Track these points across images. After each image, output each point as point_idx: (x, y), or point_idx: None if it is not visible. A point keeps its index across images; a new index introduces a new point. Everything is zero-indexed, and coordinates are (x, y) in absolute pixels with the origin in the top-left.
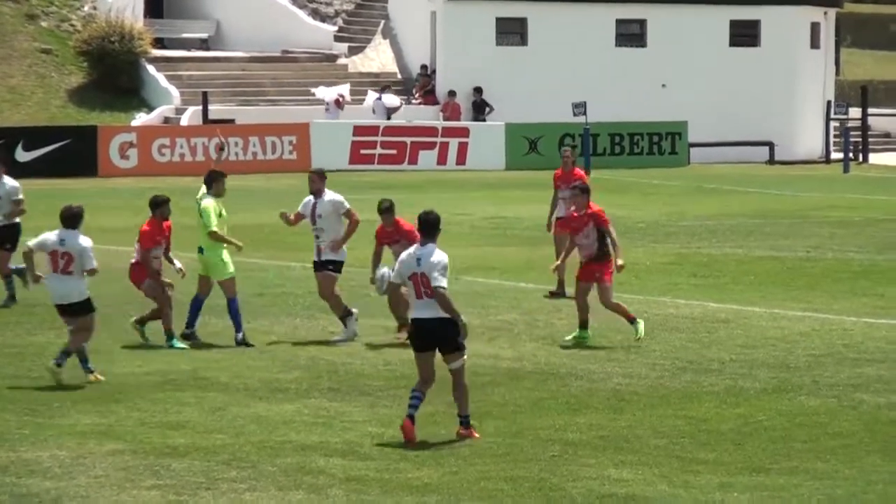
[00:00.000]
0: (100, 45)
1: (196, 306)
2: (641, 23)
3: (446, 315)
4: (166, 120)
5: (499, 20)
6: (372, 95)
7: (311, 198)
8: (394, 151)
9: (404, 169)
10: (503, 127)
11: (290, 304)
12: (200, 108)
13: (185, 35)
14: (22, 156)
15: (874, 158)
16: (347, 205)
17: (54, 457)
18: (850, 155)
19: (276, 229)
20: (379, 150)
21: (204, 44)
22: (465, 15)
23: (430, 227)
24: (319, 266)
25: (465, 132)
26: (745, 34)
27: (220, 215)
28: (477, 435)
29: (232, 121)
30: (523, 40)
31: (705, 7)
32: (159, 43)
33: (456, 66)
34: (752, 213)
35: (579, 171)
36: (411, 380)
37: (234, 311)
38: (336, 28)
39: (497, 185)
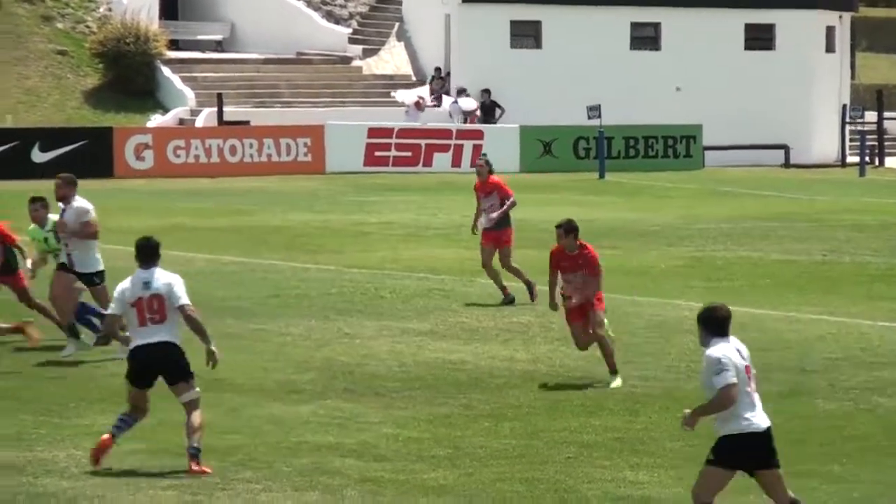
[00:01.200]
0: (115, 46)
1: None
2: (656, 26)
3: (173, 340)
4: (181, 121)
5: (513, 23)
6: (448, 99)
7: (61, 204)
8: (408, 154)
9: (419, 171)
10: (517, 129)
11: (304, 305)
12: (215, 109)
13: (199, 37)
14: (39, 157)
15: (890, 162)
16: (90, 216)
17: (71, 456)
18: (866, 158)
19: (303, 231)
20: (393, 153)
21: (219, 46)
22: (479, 17)
23: (150, 252)
24: (67, 269)
25: (479, 134)
26: (759, 38)
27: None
28: (208, 469)
29: (247, 122)
30: (537, 43)
31: (720, 10)
32: (174, 45)
33: (470, 69)
34: (768, 217)
35: (495, 179)
36: (427, 381)
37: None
38: (350, 30)
39: (511, 187)
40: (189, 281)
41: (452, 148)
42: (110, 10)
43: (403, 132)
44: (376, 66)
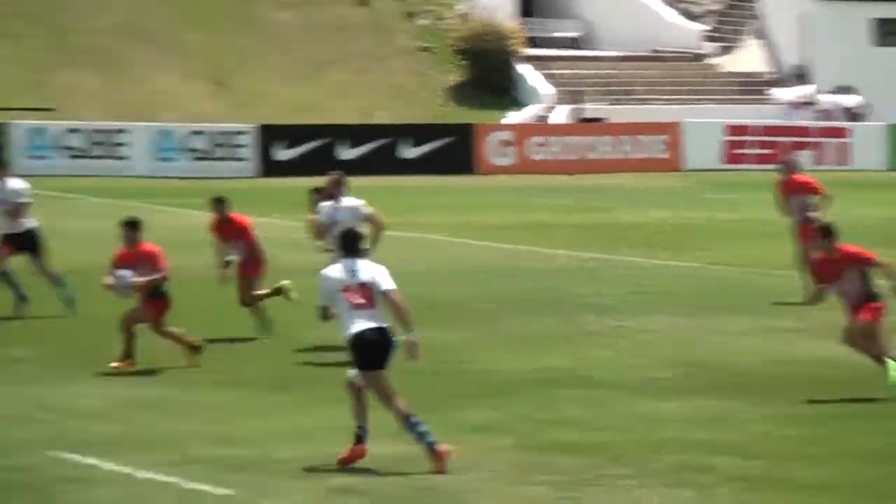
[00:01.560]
0: (476, 43)
1: None
2: None
3: (388, 325)
4: (539, 118)
5: (876, 21)
6: (826, 97)
7: (331, 203)
8: (769, 151)
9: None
10: (884, 128)
11: (666, 302)
12: (570, 106)
13: (554, 34)
14: (410, 153)
15: None
16: (368, 210)
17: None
18: None
19: (662, 228)
20: (753, 150)
21: (574, 43)
22: (837, 15)
23: (353, 242)
24: None
25: (842, 132)
26: None
27: None
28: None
29: (602, 119)
30: None
31: None
32: (531, 42)
33: (830, 67)
34: None
35: (800, 177)
36: (799, 381)
37: None
38: (706, 27)
39: (880, 186)
40: (549, 277)
41: (815, 146)
42: (470, 7)
43: (763, 129)
44: (732, 63)
